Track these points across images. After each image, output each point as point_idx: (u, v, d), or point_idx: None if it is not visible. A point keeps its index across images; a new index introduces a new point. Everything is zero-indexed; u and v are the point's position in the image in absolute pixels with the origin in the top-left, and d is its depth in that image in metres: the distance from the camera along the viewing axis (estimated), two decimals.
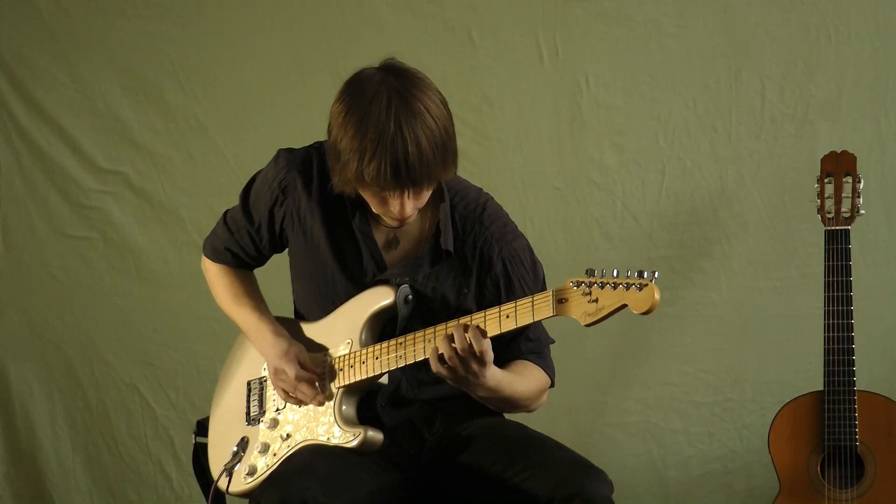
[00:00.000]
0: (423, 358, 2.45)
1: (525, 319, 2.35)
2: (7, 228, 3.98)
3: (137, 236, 3.93)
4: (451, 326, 2.39)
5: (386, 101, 2.32)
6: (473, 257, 2.56)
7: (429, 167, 2.34)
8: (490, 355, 2.38)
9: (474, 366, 2.37)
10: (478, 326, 2.38)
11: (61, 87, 3.92)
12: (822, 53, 3.57)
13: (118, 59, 3.91)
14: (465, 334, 2.36)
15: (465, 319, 2.41)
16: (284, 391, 2.60)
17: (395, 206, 2.41)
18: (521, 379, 2.55)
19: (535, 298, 2.34)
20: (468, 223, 2.57)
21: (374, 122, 2.31)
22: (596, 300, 2.26)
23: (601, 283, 2.26)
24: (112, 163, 3.93)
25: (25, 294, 3.98)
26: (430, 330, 2.46)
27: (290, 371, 2.57)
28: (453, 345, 2.36)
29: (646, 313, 2.22)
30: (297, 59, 3.82)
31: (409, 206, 2.40)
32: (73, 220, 3.95)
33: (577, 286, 2.29)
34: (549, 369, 2.63)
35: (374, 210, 2.48)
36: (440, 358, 2.38)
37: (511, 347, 2.57)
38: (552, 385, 2.66)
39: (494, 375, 2.44)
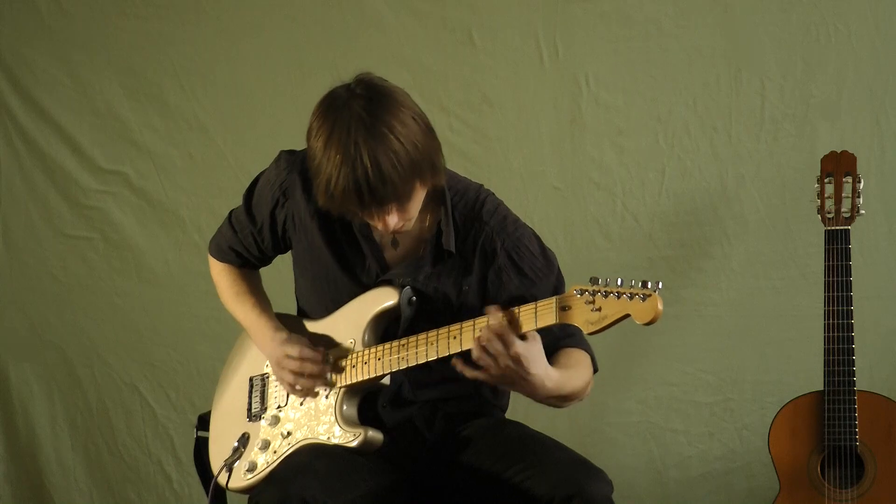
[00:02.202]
0: (425, 360, 2.46)
1: (528, 325, 2.36)
2: (7, 228, 3.98)
3: (137, 236, 3.93)
4: (481, 326, 2.38)
5: (347, 124, 2.33)
6: (474, 255, 2.56)
7: (394, 187, 2.34)
8: (526, 356, 2.35)
9: (511, 364, 2.35)
10: (511, 316, 2.36)
11: (61, 87, 3.92)
12: (822, 53, 3.57)
13: (118, 59, 3.91)
14: (493, 323, 2.36)
15: (468, 324, 2.42)
16: (291, 376, 2.59)
17: (378, 222, 2.42)
18: (575, 373, 2.51)
19: (538, 305, 2.35)
20: (468, 221, 2.56)
21: (337, 146, 2.33)
22: (599, 309, 2.27)
23: (605, 292, 2.27)
24: (112, 163, 3.93)
25: (25, 294, 3.98)
26: (432, 332, 2.46)
27: (295, 350, 2.57)
28: (482, 345, 2.36)
29: (648, 324, 2.23)
30: (297, 59, 3.83)
31: (391, 222, 2.40)
32: (73, 220, 3.95)
33: (581, 294, 2.30)
34: (589, 349, 2.59)
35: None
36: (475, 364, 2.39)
37: (542, 333, 2.51)
38: (596, 367, 2.62)
39: (551, 376, 2.41)
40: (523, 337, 2.37)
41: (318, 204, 2.45)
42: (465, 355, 2.41)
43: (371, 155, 2.31)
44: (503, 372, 2.36)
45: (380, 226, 2.42)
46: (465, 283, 2.55)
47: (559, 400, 2.50)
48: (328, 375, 2.58)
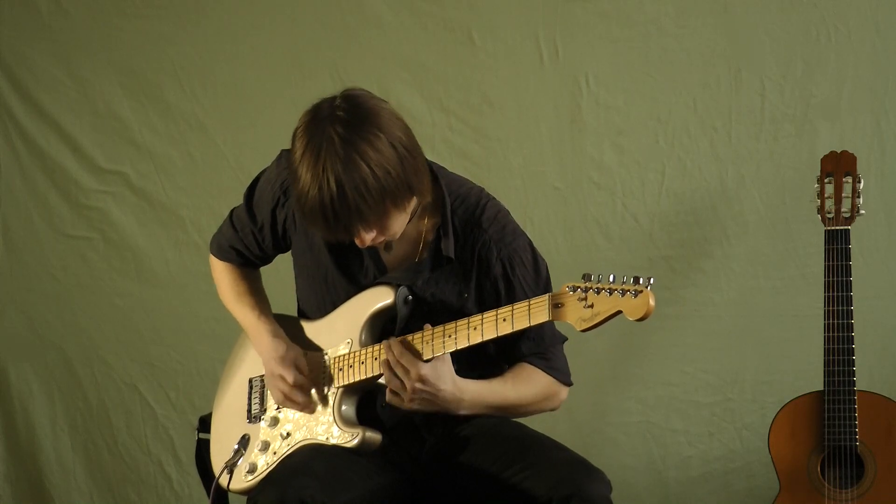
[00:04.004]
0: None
1: (521, 323, 2.37)
2: (7, 228, 3.98)
3: (137, 236, 3.93)
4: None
5: (318, 145, 2.34)
6: (472, 261, 2.56)
7: (359, 213, 2.35)
8: (431, 374, 2.43)
9: (418, 385, 2.43)
10: (406, 345, 2.45)
11: (61, 87, 3.92)
12: (822, 53, 3.57)
13: (118, 59, 3.91)
14: (393, 352, 2.44)
15: (462, 322, 2.43)
16: (279, 395, 2.61)
17: (356, 239, 2.43)
18: (512, 385, 2.57)
19: (531, 303, 2.36)
20: (467, 227, 2.57)
21: (307, 166, 2.34)
22: (591, 306, 2.27)
23: (597, 288, 2.27)
24: (112, 163, 3.93)
25: (25, 294, 3.98)
26: (428, 331, 2.47)
27: (289, 377, 2.58)
28: (390, 367, 2.46)
29: (640, 320, 2.24)
30: (297, 59, 3.82)
31: (367, 238, 2.41)
32: (73, 220, 3.95)
33: (573, 291, 2.30)
34: (554, 371, 2.62)
35: None
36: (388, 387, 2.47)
37: (512, 349, 2.57)
38: (569, 384, 2.65)
39: (466, 388, 2.48)
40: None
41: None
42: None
43: (337, 180, 2.32)
44: (414, 393, 2.44)
45: (357, 241, 2.43)
46: (464, 290, 2.56)
47: (498, 411, 2.57)
48: (317, 398, 2.59)
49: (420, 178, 2.43)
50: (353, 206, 2.33)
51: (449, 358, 2.46)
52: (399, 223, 2.44)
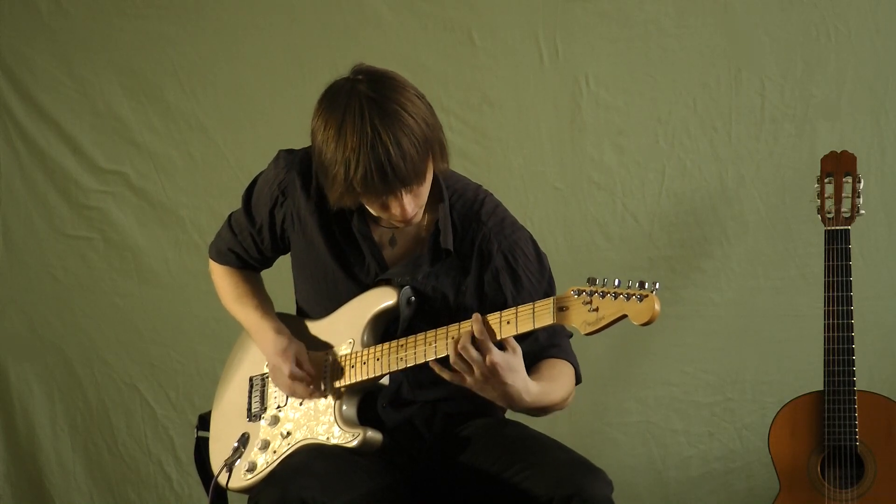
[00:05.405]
0: (423, 360, 2.46)
1: (525, 326, 2.36)
2: (7, 228, 3.98)
3: (137, 236, 3.93)
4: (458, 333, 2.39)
5: (359, 108, 2.33)
6: (472, 255, 2.56)
7: (414, 164, 2.34)
8: (503, 366, 2.36)
9: (487, 373, 2.36)
10: (487, 325, 2.37)
11: (61, 87, 3.92)
12: (822, 53, 3.57)
13: (118, 59, 3.91)
14: (473, 328, 2.37)
15: (466, 324, 2.41)
16: (286, 388, 2.61)
17: (395, 208, 2.41)
18: (559, 384, 2.53)
19: (535, 305, 2.35)
20: (466, 221, 2.56)
21: (351, 131, 2.32)
22: (596, 309, 2.27)
23: (602, 292, 2.27)
24: (112, 163, 3.93)
25: (25, 294, 3.98)
26: (430, 332, 2.46)
27: (286, 369, 2.58)
28: (458, 351, 2.38)
29: (646, 324, 2.22)
30: (297, 59, 3.83)
31: (409, 206, 2.40)
32: (73, 220, 3.95)
33: (578, 295, 2.29)
34: (574, 361, 2.60)
35: (378, 216, 2.49)
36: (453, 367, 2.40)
37: (528, 340, 2.54)
38: (579, 379, 2.62)
39: (531, 390, 2.42)
40: (504, 347, 2.38)
41: (331, 201, 2.45)
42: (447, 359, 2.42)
43: (390, 133, 2.31)
44: (479, 380, 2.38)
45: (397, 211, 2.41)
46: (463, 283, 2.55)
47: (537, 411, 2.53)
48: (323, 388, 2.58)
49: (443, 136, 2.44)
50: (409, 157, 2.32)
51: (520, 352, 2.40)
52: (427, 190, 2.44)
